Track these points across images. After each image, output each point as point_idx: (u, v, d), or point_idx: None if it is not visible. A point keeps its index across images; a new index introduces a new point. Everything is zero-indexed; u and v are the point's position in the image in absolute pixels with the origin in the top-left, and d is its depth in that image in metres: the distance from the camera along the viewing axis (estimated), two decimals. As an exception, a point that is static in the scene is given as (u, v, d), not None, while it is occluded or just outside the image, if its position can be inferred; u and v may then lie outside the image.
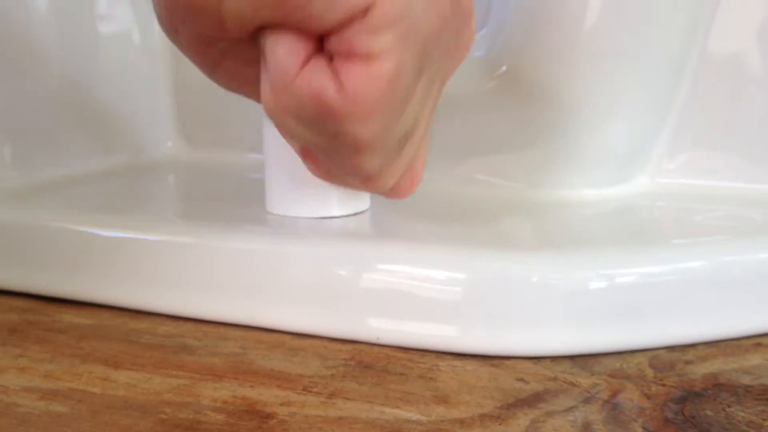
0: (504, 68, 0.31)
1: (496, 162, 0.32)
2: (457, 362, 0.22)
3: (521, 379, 0.21)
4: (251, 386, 0.20)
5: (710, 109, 0.32)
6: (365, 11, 0.16)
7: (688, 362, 0.22)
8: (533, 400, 0.20)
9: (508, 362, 0.22)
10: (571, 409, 0.19)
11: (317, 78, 0.17)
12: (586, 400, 0.19)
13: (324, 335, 0.24)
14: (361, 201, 0.27)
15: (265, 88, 0.18)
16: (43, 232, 0.27)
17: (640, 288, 0.22)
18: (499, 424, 0.18)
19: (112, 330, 0.25)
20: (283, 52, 0.17)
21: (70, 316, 0.26)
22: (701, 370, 0.21)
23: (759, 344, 0.23)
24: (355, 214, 0.27)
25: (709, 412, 0.19)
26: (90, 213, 0.28)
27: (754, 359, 0.22)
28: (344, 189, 0.26)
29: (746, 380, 0.21)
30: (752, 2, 0.30)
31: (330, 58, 0.17)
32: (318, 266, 0.23)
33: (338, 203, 0.27)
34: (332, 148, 0.19)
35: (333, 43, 0.17)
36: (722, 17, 0.31)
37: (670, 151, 0.33)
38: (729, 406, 0.19)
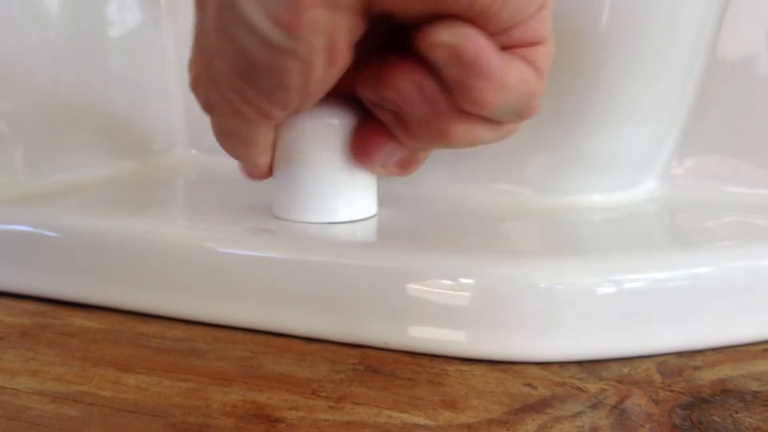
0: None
1: (504, 167, 0.32)
2: (466, 367, 0.22)
3: (529, 385, 0.21)
4: (260, 390, 0.21)
5: (719, 113, 0.32)
6: (541, 7, 0.19)
7: (696, 368, 0.22)
8: (541, 405, 0.20)
9: (516, 367, 0.22)
10: (578, 414, 0.19)
11: (520, 68, 0.19)
12: (594, 406, 0.19)
13: (333, 340, 0.24)
14: (369, 206, 0.28)
15: (474, 91, 0.19)
16: (54, 236, 0.28)
17: (648, 293, 0.22)
18: (507, 430, 0.18)
19: (123, 334, 0.25)
20: (490, 53, 0.19)
21: (80, 320, 0.26)
22: (709, 375, 0.21)
23: (767, 350, 0.23)
24: (362, 220, 0.27)
25: (716, 418, 0.19)
26: (100, 217, 0.28)
27: (762, 365, 0.22)
28: (352, 195, 0.26)
29: (754, 386, 0.21)
30: (761, 6, 0.30)
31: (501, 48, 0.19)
32: (326, 271, 0.24)
33: (346, 209, 0.27)
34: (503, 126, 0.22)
35: (515, 35, 0.19)
36: (731, 21, 0.31)
37: (678, 156, 0.33)
38: (737, 412, 0.19)
